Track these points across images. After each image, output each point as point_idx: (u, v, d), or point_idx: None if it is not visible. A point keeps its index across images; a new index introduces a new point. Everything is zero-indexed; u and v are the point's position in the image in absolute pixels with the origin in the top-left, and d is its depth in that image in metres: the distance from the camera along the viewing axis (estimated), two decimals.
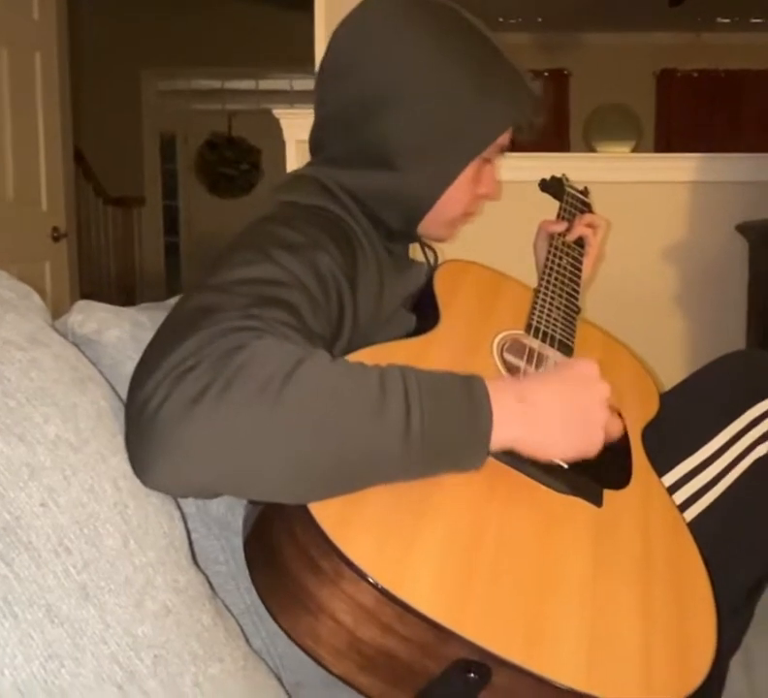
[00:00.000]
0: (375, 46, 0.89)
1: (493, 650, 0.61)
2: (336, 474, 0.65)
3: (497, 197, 1.01)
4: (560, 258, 1.17)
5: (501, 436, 0.71)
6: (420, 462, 0.68)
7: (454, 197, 0.94)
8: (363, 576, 0.61)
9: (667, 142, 5.54)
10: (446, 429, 0.68)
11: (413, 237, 1.02)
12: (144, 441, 0.62)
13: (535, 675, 0.61)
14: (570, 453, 0.76)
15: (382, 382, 0.67)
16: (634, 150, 5.67)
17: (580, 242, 1.22)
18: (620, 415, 0.93)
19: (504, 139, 0.96)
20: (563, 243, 1.20)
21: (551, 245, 1.19)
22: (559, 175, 1.34)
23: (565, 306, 1.08)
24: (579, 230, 1.21)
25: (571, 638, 0.65)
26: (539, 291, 1.08)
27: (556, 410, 0.74)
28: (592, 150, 5.64)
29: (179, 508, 0.72)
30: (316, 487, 0.65)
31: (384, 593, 0.61)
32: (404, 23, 0.90)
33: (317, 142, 0.97)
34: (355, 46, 0.91)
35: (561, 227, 1.22)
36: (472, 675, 0.61)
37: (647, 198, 2.34)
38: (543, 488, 0.78)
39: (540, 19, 5.17)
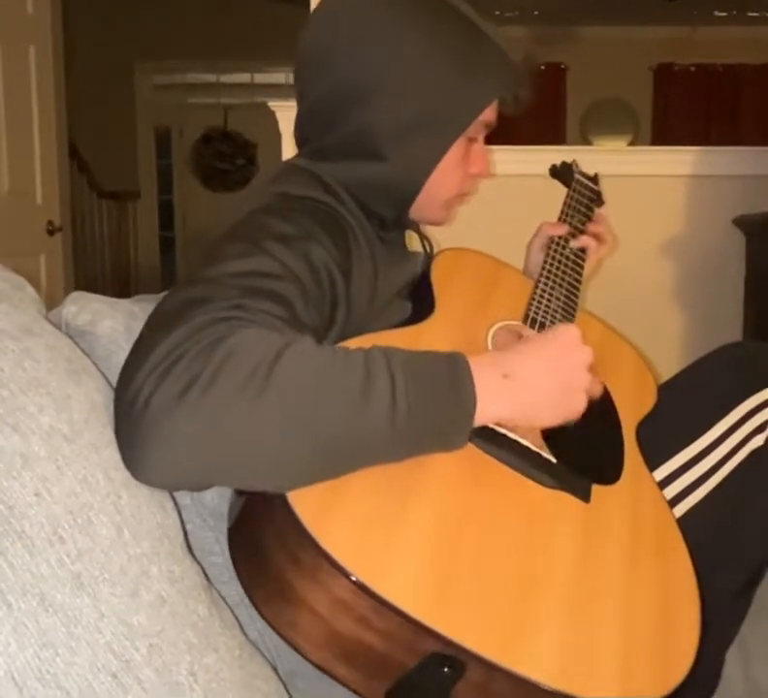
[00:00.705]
0: (348, 35, 0.89)
1: (466, 645, 0.61)
2: (324, 458, 0.65)
3: (489, 175, 1.00)
4: (563, 247, 1.16)
5: (487, 412, 0.72)
6: (406, 442, 0.68)
7: (443, 179, 0.94)
8: (340, 568, 0.61)
9: (664, 135, 5.53)
10: (431, 408, 0.68)
11: (407, 224, 1.01)
12: (133, 435, 0.63)
13: (509, 671, 0.61)
14: (555, 420, 0.78)
15: (366, 364, 0.67)
16: (631, 144, 5.66)
17: (582, 250, 1.18)
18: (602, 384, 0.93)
19: (489, 115, 0.95)
20: (566, 249, 1.16)
21: (550, 252, 1.15)
22: (569, 161, 1.33)
23: (565, 298, 1.07)
24: (585, 240, 1.17)
25: (550, 635, 0.65)
26: (539, 281, 1.07)
27: (539, 381, 0.75)
28: (589, 144, 5.63)
29: (173, 499, 0.72)
30: (306, 472, 0.65)
31: (360, 586, 0.61)
32: (375, 8, 0.89)
33: (302, 135, 0.97)
34: (328, 36, 0.90)
35: (562, 230, 1.18)
36: (446, 669, 0.61)
37: (644, 191, 2.33)
38: (529, 482, 0.77)
39: (537, 13, 5.15)
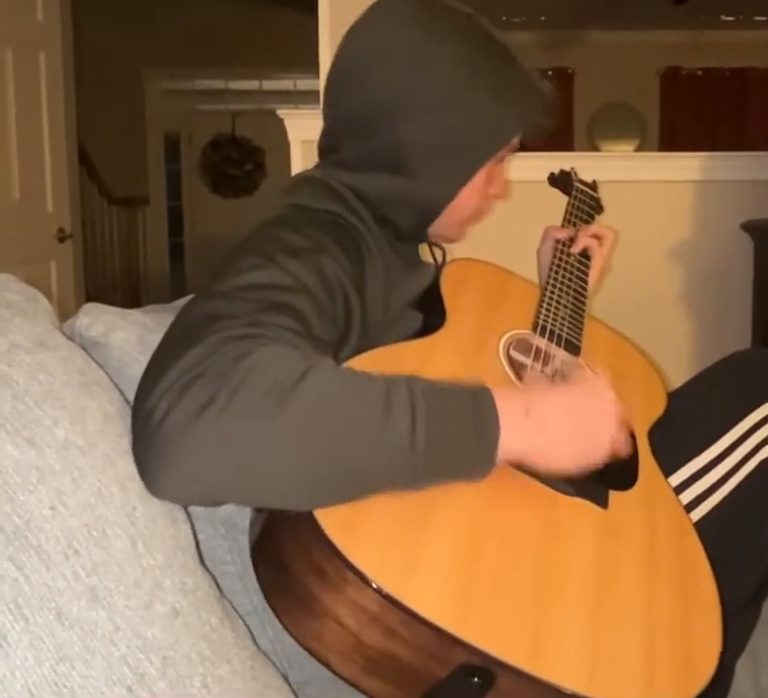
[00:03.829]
0: (388, 50, 0.89)
1: (496, 654, 0.61)
2: (340, 484, 0.65)
3: (507, 196, 1.01)
4: (568, 256, 1.16)
5: (507, 449, 0.70)
6: (425, 475, 0.68)
7: (466, 198, 0.95)
8: (367, 581, 0.61)
9: (672, 140, 5.52)
10: (452, 443, 0.67)
11: (423, 237, 1.02)
12: (150, 452, 0.63)
13: (538, 679, 0.61)
14: (574, 466, 0.75)
15: (387, 393, 0.66)
16: (638, 149, 5.66)
17: (585, 254, 1.18)
18: (632, 435, 0.91)
19: (515, 140, 0.96)
20: (568, 255, 1.17)
21: (555, 257, 1.16)
22: (567, 169, 1.33)
23: (573, 305, 1.08)
24: (584, 241, 1.18)
25: (575, 641, 0.65)
26: (546, 290, 1.08)
27: (562, 424, 0.74)
28: (597, 149, 5.63)
29: (185, 509, 0.73)
30: (320, 496, 0.65)
31: (388, 599, 0.61)
32: (416, 27, 0.89)
33: (328, 145, 0.97)
34: (367, 50, 0.90)
35: (567, 234, 1.19)
36: (476, 679, 0.61)
37: (651, 197, 2.33)
38: (548, 490, 0.78)
39: (543, 18, 5.15)
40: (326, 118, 0.96)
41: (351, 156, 0.93)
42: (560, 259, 1.15)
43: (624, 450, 0.82)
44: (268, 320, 0.69)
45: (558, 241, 1.19)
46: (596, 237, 1.19)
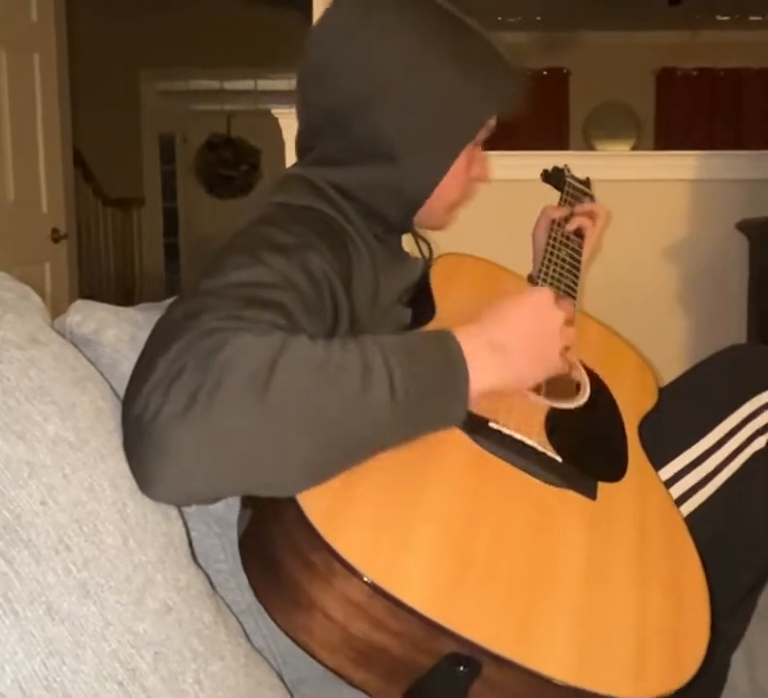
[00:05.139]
0: (355, 42, 0.89)
1: (482, 643, 0.61)
2: (331, 452, 0.66)
3: (489, 179, 1.02)
4: (560, 249, 1.16)
5: (479, 384, 0.76)
6: (408, 423, 0.71)
7: (450, 182, 0.95)
8: (353, 570, 0.62)
9: (667, 140, 5.53)
10: (429, 388, 0.72)
11: (408, 227, 1.02)
12: (142, 452, 0.63)
13: (525, 668, 0.61)
14: (538, 380, 0.85)
15: (362, 354, 0.69)
16: (634, 149, 5.67)
17: (579, 233, 1.21)
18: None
19: (492, 120, 0.97)
20: (562, 234, 1.19)
21: (550, 236, 1.18)
22: (561, 166, 1.34)
23: (564, 296, 1.08)
24: (578, 220, 1.20)
25: (563, 631, 0.65)
26: (538, 281, 1.08)
27: (523, 348, 0.81)
28: (592, 149, 5.64)
29: (178, 507, 0.72)
30: (315, 469, 0.66)
31: (374, 588, 0.61)
32: (381, 16, 0.89)
33: (305, 143, 0.97)
34: (335, 44, 0.90)
35: (564, 212, 1.21)
36: (462, 668, 0.62)
37: (647, 196, 2.34)
38: (536, 480, 0.78)
39: (539, 18, 5.16)
40: (301, 117, 0.96)
41: (330, 151, 0.93)
42: (554, 246, 1.16)
43: (571, 352, 0.91)
44: (250, 314, 0.69)
45: (553, 221, 1.21)
46: (590, 215, 1.22)
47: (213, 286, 0.74)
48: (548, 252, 1.15)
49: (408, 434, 0.72)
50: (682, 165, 2.35)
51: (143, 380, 0.65)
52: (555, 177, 1.32)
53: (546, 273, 1.10)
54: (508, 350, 0.79)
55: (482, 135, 0.96)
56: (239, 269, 0.75)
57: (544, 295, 0.85)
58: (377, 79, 0.88)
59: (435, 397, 0.73)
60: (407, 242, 1.07)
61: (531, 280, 1.09)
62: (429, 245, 1.09)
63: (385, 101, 0.88)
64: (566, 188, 1.28)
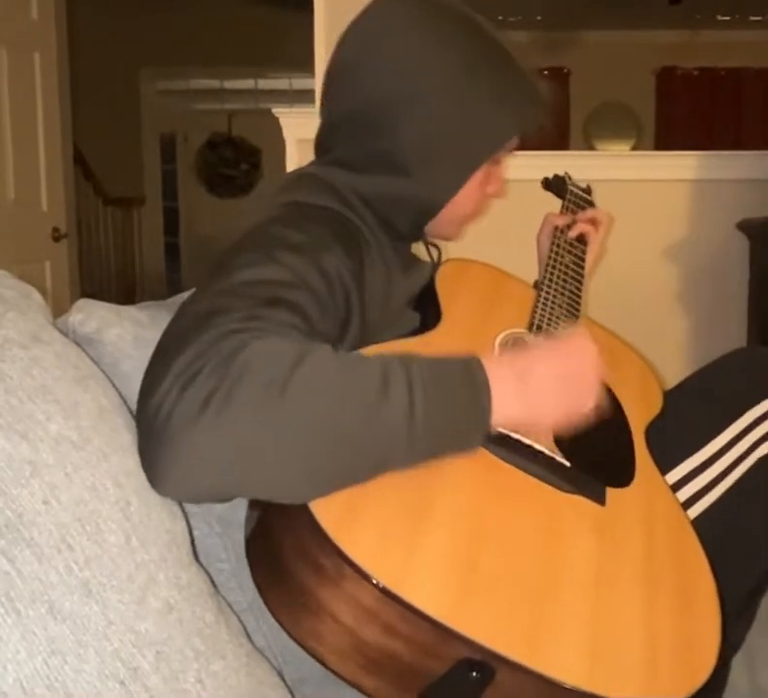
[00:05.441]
0: (385, 50, 0.88)
1: (495, 648, 0.61)
2: (344, 466, 0.65)
3: (504, 195, 1.01)
4: (563, 256, 1.16)
5: (501, 416, 0.72)
6: (424, 448, 0.69)
7: (464, 198, 0.95)
8: (364, 575, 0.61)
9: (667, 139, 5.53)
10: (449, 415, 0.69)
11: (418, 237, 1.02)
12: (156, 451, 0.63)
13: (538, 673, 0.61)
14: (561, 421, 0.78)
15: (384, 371, 0.67)
16: (634, 148, 5.67)
17: (582, 239, 1.21)
18: (609, 389, 0.93)
19: (513, 141, 0.96)
20: (566, 241, 1.19)
21: (553, 243, 1.17)
22: (562, 174, 1.33)
23: (568, 304, 1.08)
24: (580, 227, 1.20)
25: (575, 636, 0.65)
26: (542, 289, 1.08)
27: (551, 386, 0.76)
28: (592, 148, 5.64)
29: (181, 506, 0.72)
30: (327, 480, 0.65)
31: (386, 593, 0.61)
32: (416, 27, 0.89)
33: (324, 143, 0.97)
34: (364, 49, 0.90)
35: (567, 220, 1.21)
36: (475, 674, 0.61)
37: (647, 196, 2.33)
38: (546, 486, 0.78)
39: (540, 18, 5.16)
40: (323, 114, 0.95)
41: (348, 155, 0.92)
42: (557, 253, 1.16)
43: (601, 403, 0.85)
44: (266, 314, 0.69)
45: (556, 228, 1.20)
46: (593, 222, 1.21)
47: (227, 285, 0.73)
48: (551, 259, 1.14)
49: (423, 455, 0.70)
50: (682, 165, 2.35)
51: (158, 379, 0.65)
52: (556, 185, 1.32)
53: (551, 280, 1.10)
54: (536, 386, 0.75)
55: (501, 154, 0.96)
56: (253, 267, 0.75)
57: (580, 336, 0.81)
58: (403, 89, 0.88)
59: (454, 422, 0.70)
60: (416, 245, 1.07)
61: (537, 287, 1.09)
62: (439, 250, 1.09)
63: (407, 112, 0.88)
64: (568, 196, 1.28)
